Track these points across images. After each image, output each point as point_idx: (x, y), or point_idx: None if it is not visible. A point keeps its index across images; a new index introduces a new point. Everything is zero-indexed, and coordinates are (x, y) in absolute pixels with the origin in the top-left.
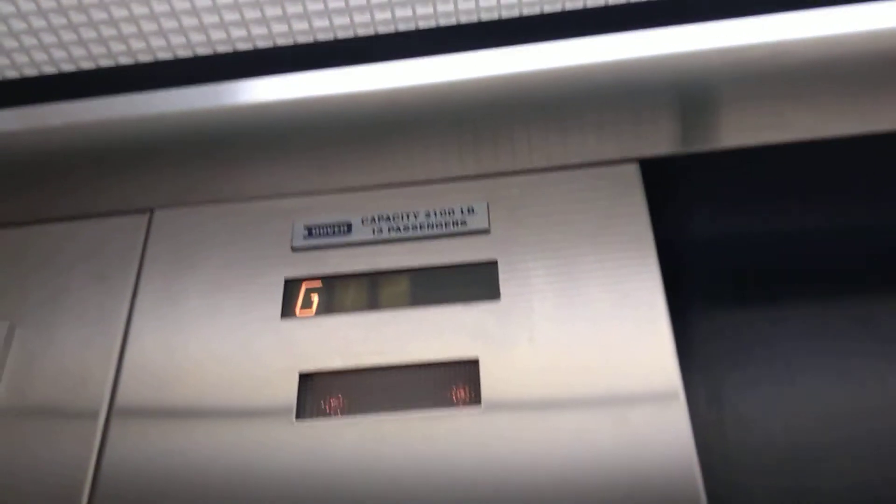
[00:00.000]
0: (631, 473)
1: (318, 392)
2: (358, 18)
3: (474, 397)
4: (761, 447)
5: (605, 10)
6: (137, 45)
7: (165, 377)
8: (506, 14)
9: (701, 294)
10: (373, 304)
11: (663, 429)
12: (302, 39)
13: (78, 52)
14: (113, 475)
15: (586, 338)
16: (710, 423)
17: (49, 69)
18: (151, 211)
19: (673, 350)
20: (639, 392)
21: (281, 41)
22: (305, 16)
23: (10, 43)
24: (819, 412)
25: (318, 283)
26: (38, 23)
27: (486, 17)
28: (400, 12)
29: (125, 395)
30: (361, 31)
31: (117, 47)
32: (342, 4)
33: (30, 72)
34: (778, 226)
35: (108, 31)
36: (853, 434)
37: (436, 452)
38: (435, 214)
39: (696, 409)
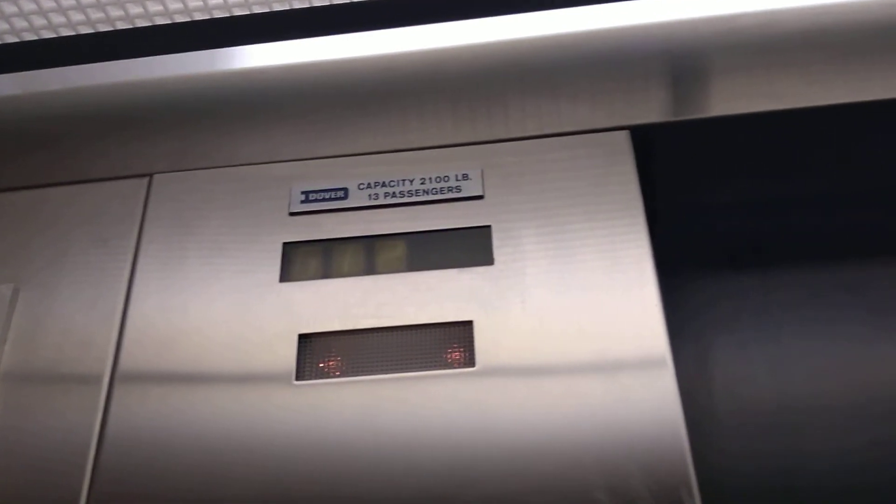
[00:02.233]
0: (618, 433)
1: (317, 353)
2: None
3: (468, 359)
4: (749, 412)
5: None
6: (135, 10)
7: (167, 340)
8: None
9: (691, 261)
10: (369, 268)
11: (651, 391)
12: (298, 4)
13: (76, 17)
14: (117, 439)
15: (577, 302)
16: (698, 388)
17: (48, 34)
18: (151, 176)
19: (661, 314)
20: (627, 354)
21: (277, 6)
22: None
23: (9, 8)
24: (807, 378)
25: (315, 248)
26: None
27: None
28: None
29: (128, 359)
30: None
31: (115, 12)
32: None
33: (28, 37)
34: (767, 193)
35: None
36: (840, 399)
37: (431, 412)
38: (430, 180)
39: (684, 374)
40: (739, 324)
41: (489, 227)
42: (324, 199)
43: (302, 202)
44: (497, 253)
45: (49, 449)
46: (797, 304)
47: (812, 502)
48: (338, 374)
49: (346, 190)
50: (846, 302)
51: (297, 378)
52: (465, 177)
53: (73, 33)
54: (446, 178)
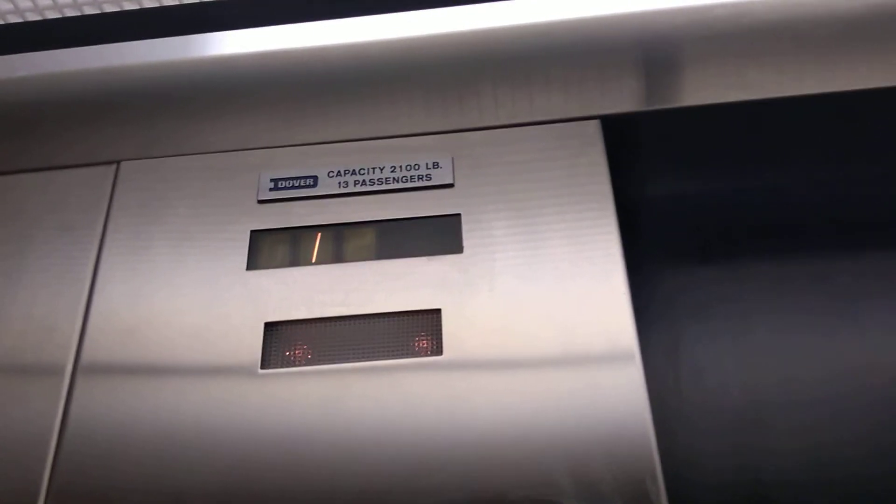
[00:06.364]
0: (584, 420)
1: (284, 342)
2: None
3: (436, 347)
4: (717, 405)
5: None
6: None
7: (132, 329)
8: None
9: (660, 251)
10: (338, 256)
11: (617, 381)
12: None
13: (43, 1)
14: (79, 429)
15: (545, 290)
16: (666, 379)
17: (14, 18)
18: (118, 163)
19: (628, 303)
20: (595, 342)
21: None
22: None
23: None
24: (775, 370)
25: (283, 235)
26: None
27: None
28: None
29: (91, 348)
30: None
31: None
32: None
33: None
34: (737, 183)
35: None
36: (808, 392)
37: (398, 400)
38: (400, 169)
39: (652, 365)
40: (708, 314)
41: (459, 215)
42: (293, 187)
43: (271, 190)
44: (466, 241)
45: (9, 439)
46: (766, 293)
47: (778, 495)
48: (304, 362)
49: (315, 178)
50: (814, 292)
51: (263, 367)
52: (436, 165)
53: (39, 18)
54: (417, 167)
